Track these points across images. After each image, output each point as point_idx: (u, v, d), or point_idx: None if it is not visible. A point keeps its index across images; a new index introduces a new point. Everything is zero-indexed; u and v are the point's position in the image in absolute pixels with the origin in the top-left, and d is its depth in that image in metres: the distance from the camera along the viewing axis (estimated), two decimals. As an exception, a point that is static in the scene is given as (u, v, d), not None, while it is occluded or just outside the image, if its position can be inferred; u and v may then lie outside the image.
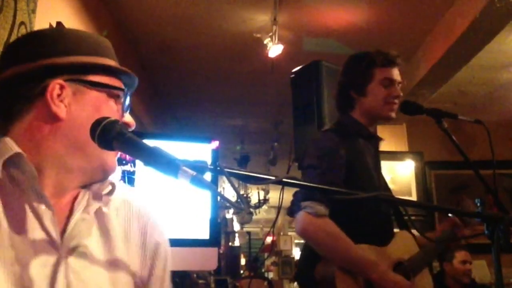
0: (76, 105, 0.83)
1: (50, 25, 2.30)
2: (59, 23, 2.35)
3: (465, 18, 2.97)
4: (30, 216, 0.78)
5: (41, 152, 0.81)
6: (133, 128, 0.90)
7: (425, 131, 4.80)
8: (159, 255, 0.94)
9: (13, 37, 1.70)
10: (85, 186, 0.86)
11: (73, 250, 0.79)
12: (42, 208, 0.78)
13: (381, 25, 3.44)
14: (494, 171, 1.62)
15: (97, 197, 0.86)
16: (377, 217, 1.66)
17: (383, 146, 1.90)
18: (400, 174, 4.85)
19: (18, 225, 0.77)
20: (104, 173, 0.86)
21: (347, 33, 3.50)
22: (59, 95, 0.82)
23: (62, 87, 0.83)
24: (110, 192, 0.87)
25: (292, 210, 1.66)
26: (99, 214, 0.86)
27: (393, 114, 1.77)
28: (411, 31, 3.58)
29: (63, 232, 0.80)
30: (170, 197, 1.59)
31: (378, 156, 1.82)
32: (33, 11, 1.91)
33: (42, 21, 2.16)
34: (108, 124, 0.77)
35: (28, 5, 1.85)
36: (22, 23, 1.79)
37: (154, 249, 0.93)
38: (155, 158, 0.72)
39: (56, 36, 0.87)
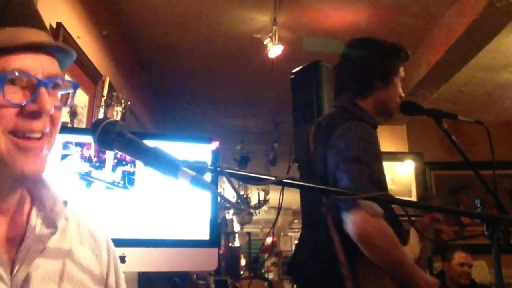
0: None
1: (50, 25, 2.30)
2: (59, 24, 2.35)
3: (465, 18, 2.97)
4: None
5: None
6: (47, 112, 0.70)
7: (425, 132, 4.80)
8: (111, 252, 0.87)
9: (13, 38, 1.69)
10: (35, 204, 0.76)
11: (27, 281, 0.69)
12: None
13: (381, 25, 3.44)
14: (494, 171, 1.62)
15: (49, 223, 0.75)
16: (390, 218, 1.57)
17: (383, 147, 1.89)
18: (400, 175, 4.85)
19: None
20: (20, 181, 0.71)
21: (347, 33, 3.50)
22: None
23: None
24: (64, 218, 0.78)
25: (339, 207, 1.51)
26: (53, 240, 0.75)
27: (395, 115, 1.78)
28: (411, 31, 3.58)
29: (12, 265, 0.69)
30: (170, 198, 1.59)
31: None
32: (33, 12, 1.91)
33: (42, 22, 2.16)
34: (108, 125, 0.77)
35: (28, 5, 1.85)
36: (22, 23, 1.79)
37: (106, 247, 0.87)
38: (155, 159, 0.72)
39: None
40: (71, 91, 0.76)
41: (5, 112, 0.66)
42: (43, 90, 0.68)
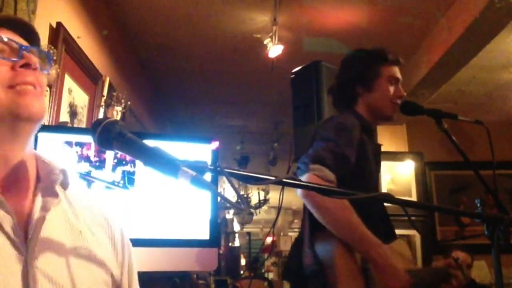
0: None
1: (50, 25, 2.30)
2: (59, 24, 2.35)
3: (465, 18, 2.97)
4: None
5: None
6: (34, 64, 0.79)
7: (425, 132, 4.80)
8: (126, 242, 0.92)
9: (13, 38, 1.69)
10: (39, 179, 0.82)
11: (39, 253, 0.74)
12: (1, 213, 0.73)
13: (381, 25, 3.44)
14: (494, 171, 1.62)
15: (51, 191, 0.81)
16: (371, 218, 1.57)
17: (383, 147, 1.90)
18: (400, 175, 4.85)
19: None
20: (28, 120, 0.77)
21: (347, 33, 3.50)
22: None
23: None
24: (64, 184, 0.83)
25: (297, 172, 1.58)
26: (58, 209, 0.82)
27: (395, 115, 1.77)
28: (411, 31, 3.58)
29: (25, 234, 0.74)
30: (170, 198, 1.59)
31: (378, 158, 1.80)
32: (33, 12, 1.91)
33: (42, 22, 2.16)
34: (108, 124, 0.77)
35: (28, 5, 1.85)
36: (22, 23, 1.79)
37: (121, 238, 0.91)
38: (155, 159, 0.72)
39: None
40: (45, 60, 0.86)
41: (0, 69, 0.76)
42: (25, 52, 0.80)
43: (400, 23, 3.46)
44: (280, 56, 3.49)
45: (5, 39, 0.79)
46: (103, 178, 1.52)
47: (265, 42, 3.46)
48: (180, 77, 4.73)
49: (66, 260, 0.77)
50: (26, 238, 0.74)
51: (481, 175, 1.59)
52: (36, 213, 0.77)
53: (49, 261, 0.75)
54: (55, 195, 0.81)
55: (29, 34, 0.85)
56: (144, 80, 4.59)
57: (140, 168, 1.55)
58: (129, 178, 1.54)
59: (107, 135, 0.76)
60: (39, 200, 0.79)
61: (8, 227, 0.72)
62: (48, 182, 0.82)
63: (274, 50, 3.44)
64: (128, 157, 1.51)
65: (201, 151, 1.65)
